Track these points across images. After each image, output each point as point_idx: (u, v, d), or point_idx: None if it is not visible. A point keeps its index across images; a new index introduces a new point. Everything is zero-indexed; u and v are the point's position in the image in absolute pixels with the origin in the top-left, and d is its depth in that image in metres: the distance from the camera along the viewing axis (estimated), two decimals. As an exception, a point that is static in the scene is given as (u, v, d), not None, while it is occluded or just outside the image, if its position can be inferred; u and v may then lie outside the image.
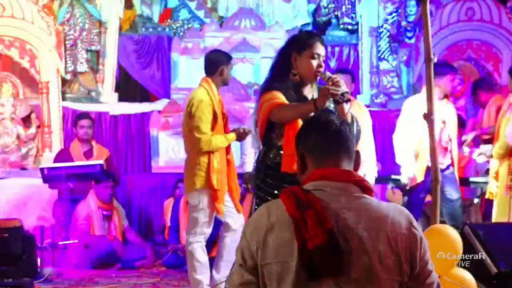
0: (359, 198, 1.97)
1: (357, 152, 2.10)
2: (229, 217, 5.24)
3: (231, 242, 5.16)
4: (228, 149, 5.25)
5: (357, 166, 2.10)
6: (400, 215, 1.97)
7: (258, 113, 3.67)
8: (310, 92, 3.72)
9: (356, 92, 9.57)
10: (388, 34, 9.58)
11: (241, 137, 5.33)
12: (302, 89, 3.69)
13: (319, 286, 1.87)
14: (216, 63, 5.22)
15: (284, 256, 1.89)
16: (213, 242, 5.84)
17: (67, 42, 8.73)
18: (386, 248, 1.90)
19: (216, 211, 5.16)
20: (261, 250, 1.93)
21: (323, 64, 3.62)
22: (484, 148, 6.14)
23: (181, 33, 9.61)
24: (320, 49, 3.63)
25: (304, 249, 1.86)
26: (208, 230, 5.23)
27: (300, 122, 3.43)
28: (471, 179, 6.88)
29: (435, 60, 3.84)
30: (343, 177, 1.99)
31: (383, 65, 9.57)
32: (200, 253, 5.16)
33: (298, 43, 3.68)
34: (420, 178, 5.93)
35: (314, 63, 3.60)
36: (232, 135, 5.23)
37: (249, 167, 6.23)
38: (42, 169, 6.72)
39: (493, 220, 5.72)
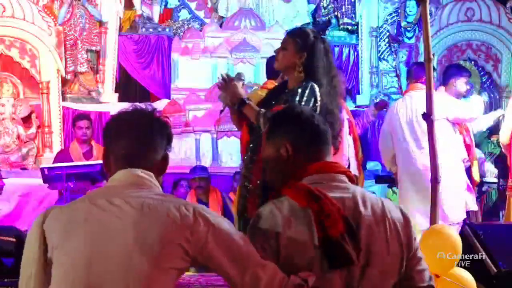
0: (352, 187, 2.03)
1: (335, 137, 2.19)
2: None
3: None
4: None
5: (336, 149, 2.21)
6: (388, 201, 2.06)
7: None
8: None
9: (356, 92, 9.58)
10: (387, 34, 9.58)
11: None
12: None
13: (332, 275, 1.90)
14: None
15: (302, 248, 1.91)
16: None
17: (67, 42, 8.72)
18: (390, 232, 1.98)
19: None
20: (277, 244, 1.92)
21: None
22: None
23: (181, 33, 9.61)
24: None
25: (326, 238, 1.89)
26: None
27: None
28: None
29: (435, 60, 3.83)
30: (333, 168, 2.05)
31: (383, 65, 9.59)
32: None
33: None
34: None
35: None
36: None
37: None
38: (42, 169, 6.70)
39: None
